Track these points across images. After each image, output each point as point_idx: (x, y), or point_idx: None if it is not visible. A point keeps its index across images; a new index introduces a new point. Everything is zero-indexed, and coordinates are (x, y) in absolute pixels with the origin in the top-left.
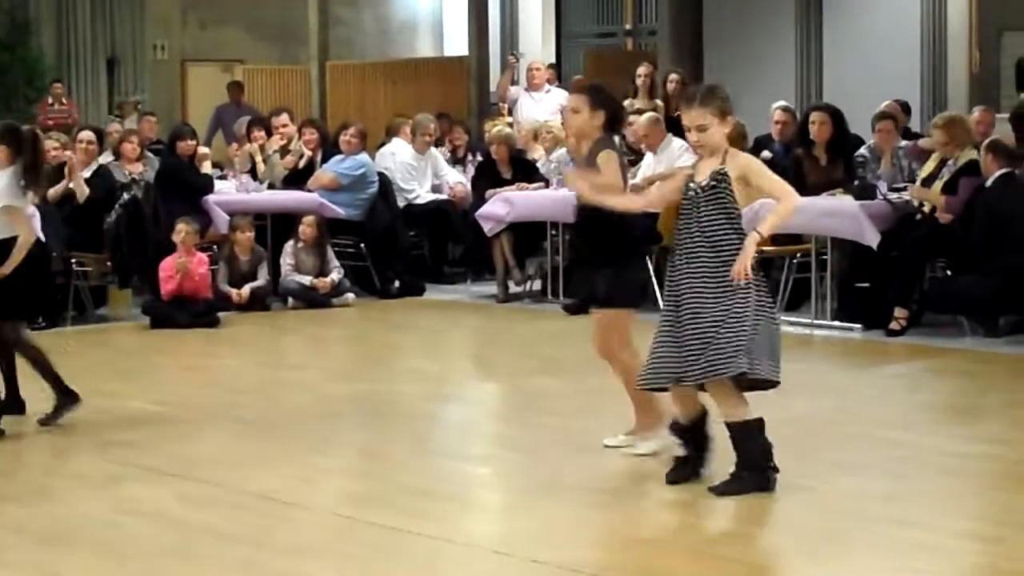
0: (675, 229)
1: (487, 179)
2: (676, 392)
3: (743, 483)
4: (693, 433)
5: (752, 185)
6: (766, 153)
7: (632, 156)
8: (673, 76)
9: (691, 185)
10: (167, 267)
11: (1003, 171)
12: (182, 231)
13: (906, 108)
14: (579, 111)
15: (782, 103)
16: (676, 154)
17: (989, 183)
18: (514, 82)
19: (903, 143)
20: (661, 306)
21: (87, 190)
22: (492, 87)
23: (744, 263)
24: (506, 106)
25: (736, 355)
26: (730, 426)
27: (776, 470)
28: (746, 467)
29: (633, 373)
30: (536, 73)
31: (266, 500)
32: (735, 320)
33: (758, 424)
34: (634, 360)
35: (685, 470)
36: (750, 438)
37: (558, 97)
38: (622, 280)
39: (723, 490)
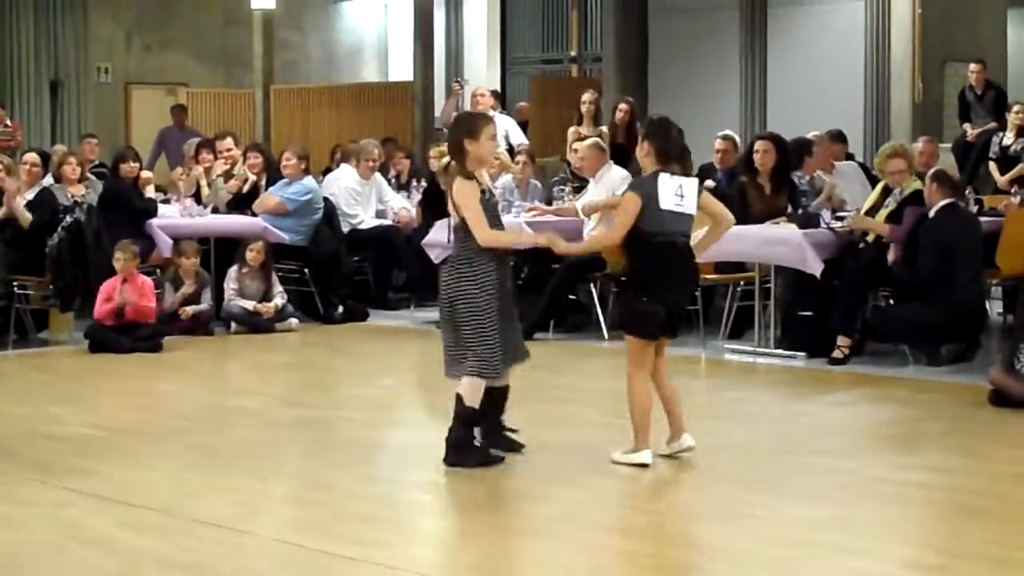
0: None
1: (434, 208)
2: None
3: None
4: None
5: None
6: (709, 182)
7: (577, 183)
8: (623, 105)
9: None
10: (107, 289)
11: (947, 201)
12: (120, 258)
13: (841, 137)
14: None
15: (723, 132)
16: (617, 183)
17: (932, 213)
18: (458, 108)
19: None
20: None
21: (29, 215)
22: (437, 112)
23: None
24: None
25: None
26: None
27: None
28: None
29: (635, 397)
30: (480, 99)
31: (211, 527)
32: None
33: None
34: (640, 388)
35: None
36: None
37: (502, 123)
38: (631, 309)
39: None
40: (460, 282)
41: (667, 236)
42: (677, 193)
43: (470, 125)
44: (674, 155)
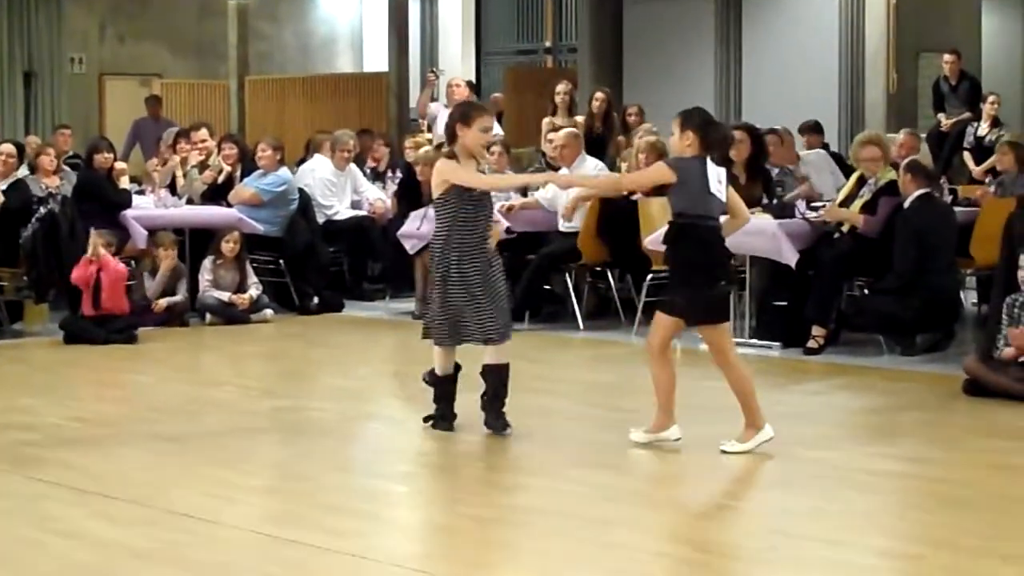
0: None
1: (410, 199)
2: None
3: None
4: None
5: None
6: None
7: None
8: (599, 95)
9: None
10: (83, 280)
11: (922, 191)
12: (94, 243)
13: (818, 127)
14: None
15: None
16: (591, 173)
17: (908, 203)
18: (433, 98)
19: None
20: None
21: (1, 198)
22: (412, 103)
23: None
24: (426, 122)
25: None
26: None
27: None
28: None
29: (664, 379)
30: (456, 89)
31: (186, 518)
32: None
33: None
34: (663, 367)
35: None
36: None
37: None
38: (701, 296)
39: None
40: (447, 254)
41: (715, 221)
42: (719, 180)
43: (466, 112)
44: (717, 144)
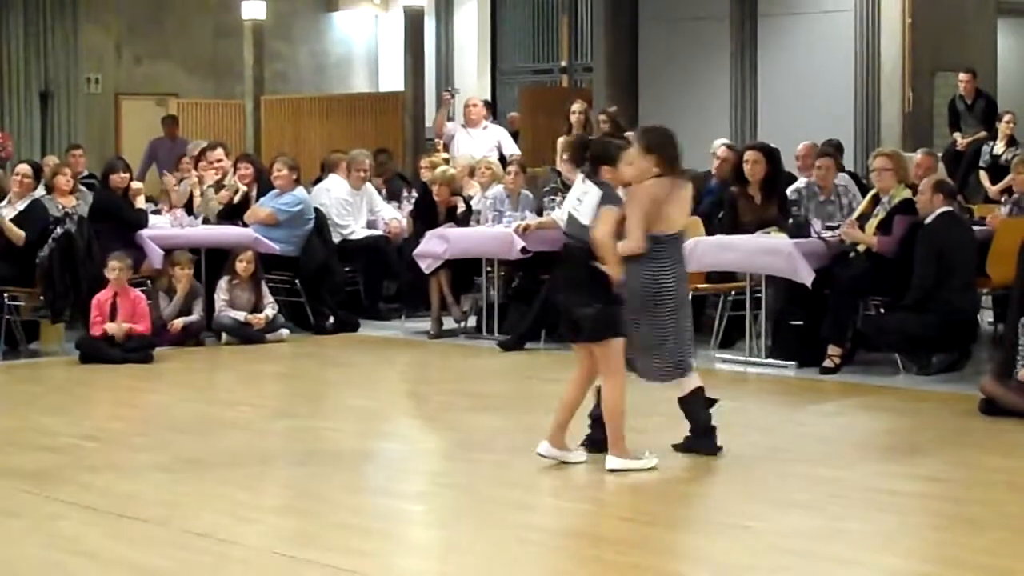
0: None
1: (425, 218)
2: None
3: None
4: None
5: None
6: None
7: (566, 191)
8: (602, 116)
9: None
10: (99, 303)
11: (945, 209)
12: (115, 268)
13: (839, 147)
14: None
15: (725, 140)
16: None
17: (929, 220)
18: (450, 118)
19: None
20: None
21: (21, 233)
22: (428, 123)
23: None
24: (442, 142)
25: None
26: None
27: None
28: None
29: (622, 403)
30: (473, 109)
31: (202, 538)
32: None
33: None
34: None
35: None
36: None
37: (495, 133)
38: (609, 313)
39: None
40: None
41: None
42: (578, 198)
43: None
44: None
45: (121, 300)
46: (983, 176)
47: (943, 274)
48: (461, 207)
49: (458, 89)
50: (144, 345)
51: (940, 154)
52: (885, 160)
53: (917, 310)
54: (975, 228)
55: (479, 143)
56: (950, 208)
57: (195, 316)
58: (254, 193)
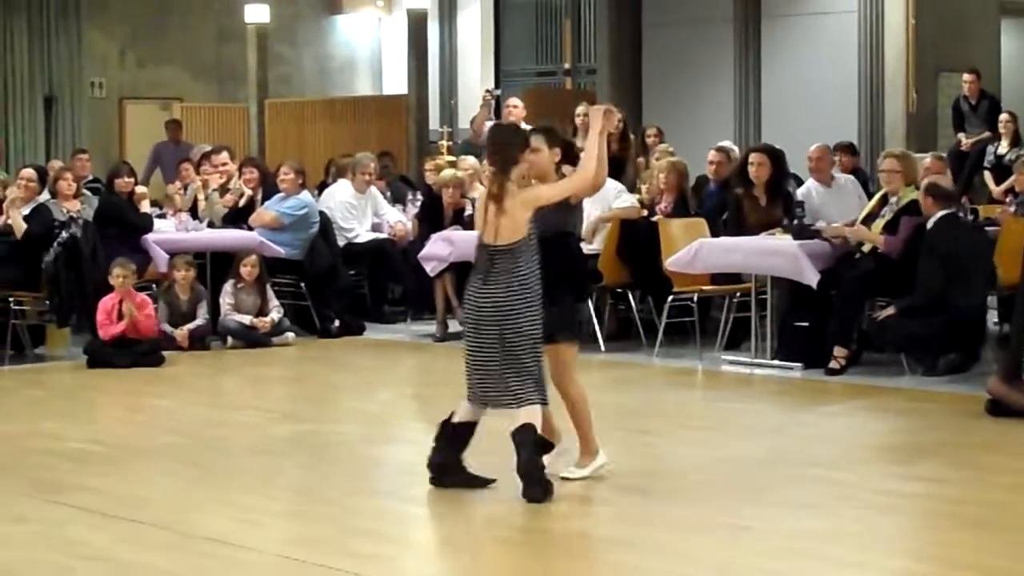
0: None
1: (430, 221)
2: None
3: None
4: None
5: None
6: None
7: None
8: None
9: None
10: (106, 308)
11: (945, 212)
12: (119, 275)
13: (852, 148)
14: (539, 150)
15: (718, 144)
16: (612, 195)
17: (931, 224)
18: (490, 117)
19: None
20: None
21: (23, 223)
22: (432, 125)
23: None
24: (445, 144)
25: None
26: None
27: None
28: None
29: (580, 406)
30: (513, 110)
31: (210, 542)
32: None
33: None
34: (580, 394)
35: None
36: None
37: None
38: (563, 316)
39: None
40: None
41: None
42: None
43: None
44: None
45: (127, 304)
46: (987, 176)
47: (948, 277)
48: (468, 210)
49: (499, 90)
50: (152, 349)
51: (944, 155)
52: (894, 162)
53: (925, 312)
54: (988, 228)
55: None
56: (951, 210)
57: (200, 320)
58: (259, 197)
